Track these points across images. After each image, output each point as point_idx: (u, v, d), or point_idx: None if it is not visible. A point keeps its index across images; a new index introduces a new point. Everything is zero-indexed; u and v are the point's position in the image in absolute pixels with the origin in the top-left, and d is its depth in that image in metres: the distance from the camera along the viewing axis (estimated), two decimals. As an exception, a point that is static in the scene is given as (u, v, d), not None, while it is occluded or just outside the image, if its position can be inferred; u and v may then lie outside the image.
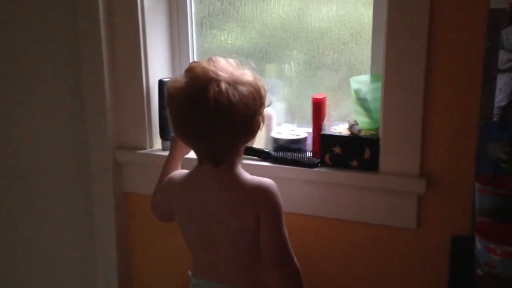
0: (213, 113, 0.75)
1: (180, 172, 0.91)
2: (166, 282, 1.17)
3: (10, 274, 1.33)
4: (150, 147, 1.10)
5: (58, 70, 1.16)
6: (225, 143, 0.79)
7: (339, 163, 0.95)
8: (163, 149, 1.09)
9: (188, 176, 0.86)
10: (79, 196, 1.20)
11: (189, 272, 0.91)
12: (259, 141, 1.04)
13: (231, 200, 0.82)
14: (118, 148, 1.12)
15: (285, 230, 0.82)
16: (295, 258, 0.82)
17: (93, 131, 1.11)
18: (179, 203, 0.87)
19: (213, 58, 0.80)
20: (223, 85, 0.75)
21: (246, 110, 0.77)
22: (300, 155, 0.98)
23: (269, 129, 1.06)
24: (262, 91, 0.80)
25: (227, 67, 0.79)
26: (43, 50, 1.16)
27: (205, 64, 0.79)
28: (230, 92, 0.75)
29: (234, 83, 0.77)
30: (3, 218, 1.30)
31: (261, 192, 0.80)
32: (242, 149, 0.84)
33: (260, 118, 0.82)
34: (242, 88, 0.77)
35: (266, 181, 0.82)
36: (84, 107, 1.12)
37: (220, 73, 0.77)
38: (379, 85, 0.92)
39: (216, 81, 0.76)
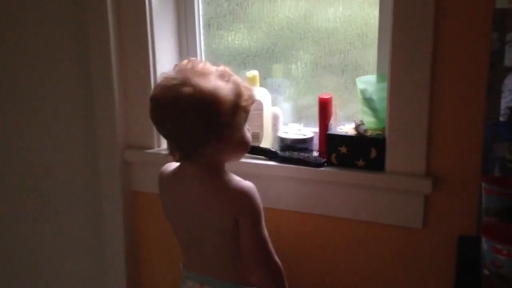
0: (166, 111, 0.80)
1: (171, 164, 0.91)
2: (174, 280, 1.18)
3: (20, 271, 1.35)
4: (158, 147, 1.12)
5: (68, 71, 1.17)
6: (184, 141, 0.82)
7: (345, 162, 0.95)
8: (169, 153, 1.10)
9: (175, 170, 0.89)
10: (88, 194, 1.21)
11: (181, 265, 0.93)
12: (266, 141, 1.05)
13: (211, 200, 0.84)
14: (127, 147, 1.13)
15: (265, 231, 0.83)
16: (275, 256, 0.84)
17: (102, 131, 1.13)
18: (167, 197, 0.90)
19: (194, 60, 0.84)
20: (180, 86, 0.79)
21: (185, 115, 0.79)
22: (306, 155, 0.99)
23: (275, 129, 1.06)
24: (222, 105, 0.79)
25: (193, 70, 0.81)
26: (54, 52, 1.17)
27: (182, 64, 0.84)
28: (175, 92, 0.79)
29: (189, 85, 0.79)
30: (13, 216, 1.32)
31: (240, 196, 0.82)
32: (218, 151, 0.83)
33: (229, 129, 0.81)
34: (187, 93, 0.79)
35: (246, 185, 0.82)
36: (93, 108, 1.13)
37: (183, 74, 0.81)
38: (385, 85, 0.92)
39: (180, 81, 0.79)
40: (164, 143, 1.13)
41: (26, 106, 1.24)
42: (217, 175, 0.84)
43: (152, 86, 1.09)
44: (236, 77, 0.84)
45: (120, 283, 1.18)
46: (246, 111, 0.83)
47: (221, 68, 0.84)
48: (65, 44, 1.15)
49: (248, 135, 0.87)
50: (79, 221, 1.25)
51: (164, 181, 0.91)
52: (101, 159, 1.14)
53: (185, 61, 0.84)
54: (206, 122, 0.80)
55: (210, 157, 0.84)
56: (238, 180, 0.84)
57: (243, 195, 0.82)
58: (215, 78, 0.81)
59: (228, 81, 0.82)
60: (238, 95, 0.81)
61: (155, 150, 1.11)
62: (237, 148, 0.86)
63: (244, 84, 0.85)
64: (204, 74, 0.81)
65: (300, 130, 1.05)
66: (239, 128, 0.84)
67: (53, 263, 1.30)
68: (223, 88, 0.81)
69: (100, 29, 1.07)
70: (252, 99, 0.85)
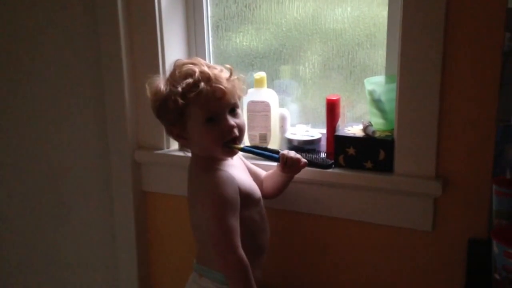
0: None
1: None
2: (185, 280, 1.18)
3: (32, 270, 1.37)
4: (168, 148, 1.13)
5: (79, 73, 1.19)
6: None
7: (353, 164, 0.95)
8: (180, 149, 1.11)
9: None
10: (100, 195, 1.23)
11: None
12: (274, 142, 1.05)
13: (192, 190, 0.88)
14: (137, 148, 1.15)
15: (230, 223, 0.80)
16: (238, 251, 0.81)
17: (113, 132, 1.14)
18: None
19: (176, 60, 0.87)
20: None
21: (152, 105, 0.85)
22: (314, 156, 0.98)
23: (283, 130, 1.06)
24: (155, 102, 0.83)
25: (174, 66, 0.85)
26: (66, 56, 1.19)
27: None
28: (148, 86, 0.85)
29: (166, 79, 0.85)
30: (25, 216, 1.34)
31: (208, 183, 0.83)
32: (188, 146, 0.87)
33: (175, 127, 0.84)
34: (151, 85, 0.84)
35: (217, 175, 0.82)
36: (104, 109, 1.15)
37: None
38: (394, 86, 0.91)
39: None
40: (173, 144, 1.14)
41: (38, 107, 1.26)
42: (202, 165, 0.86)
43: (162, 88, 1.10)
44: (183, 70, 0.82)
45: (132, 283, 1.20)
46: (179, 106, 0.80)
47: (176, 64, 0.85)
48: (77, 47, 1.17)
49: (211, 133, 0.82)
50: (91, 222, 1.26)
51: None
52: (112, 160, 1.16)
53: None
54: (161, 123, 0.87)
55: (195, 151, 0.88)
56: (214, 170, 0.84)
57: (209, 183, 0.82)
58: (168, 74, 0.85)
59: (172, 76, 0.83)
60: (171, 88, 0.82)
61: (165, 150, 1.12)
62: (199, 146, 0.85)
63: (187, 75, 0.81)
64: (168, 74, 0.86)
65: (307, 131, 1.04)
66: (190, 124, 0.83)
67: (66, 262, 1.32)
68: (154, 84, 0.84)
69: (110, 32, 1.08)
70: (193, 88, 0.80)
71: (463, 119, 0.86)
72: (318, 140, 1.03)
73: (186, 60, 0.86)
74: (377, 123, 0.96)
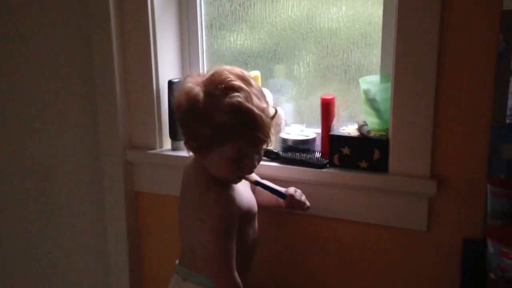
0: None
1: None
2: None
3: (23, 271, 1.35)
4: (160, 147, 1.11)
5: (70, 72, 1.18)
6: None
7: (348, 164, 0.94)
8: (173, 149, 1.10)
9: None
10: (91, 195, 1.22)
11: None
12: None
13: (188, 194, 0.86)
14: (129, 148, 1.13)
15: (228, 246, 0.79)
16: (233, 273, 0.80)
17: (104, 132, 1.13)
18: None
19: (218, 70, 0.80)
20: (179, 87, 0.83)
21: (176, 112, 0.82)
22: (308, 156, 0.98)
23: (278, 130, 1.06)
24: (188, 115, 0.77)
25: (206, 74, 0.81)
26: (56, 53, 1.17)
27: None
28: (175, 94, 0.82)
29: (179, 87, 0.82)
30: (16, 217, 1.32)
31: (207, 202, 0.81)
32: (202, 155, 0.81)
33: (195, 143, 0.78)
34: (177, 94, 0.81)
35: (216, 193, 0.80)
36: (95, 108, 1.13)
37: (191, 78, 0.82)
38: (388, 85, 0.91)
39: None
40: (166, 144, 1.13)
41: (28, 107, 1.25)
42: (205, 178, 0.82)
43: (154, 87, 1.09)
44: (232, 99, 0.72)
45: (123, 283, 1.18)
46: (211, 143, 0.74)
47: (219, 77, 0.76)
48: (68, 45, 1.16)
49: (230, 170, 0.78)
50: (82, 222, 1.25)
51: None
52: (104, 159, 1.14)
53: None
54: (180, 127, 0.83)
55: (199, 157, 0.83)
56: (218, 187, 0.81)
57: (211, 201, 0.80)
58: (201, 88, 0.78)
59: (214, 93, 0.75)
60: (208, 111, 0.73)
61: (157, 150, 1.11)
62: (212, 170, 0.81)
63: (235, 110, 0.72)
64: (204, 82, 0.80)
65: (302, 131, 1.04)
66: (215, 152, 0.77)
67: (56, 263, 1.31)
68: (192, 91, 0.77)
69: (102, 29, 1.07)
70: (240, 127, 0.72)
71: (458, 119, 0.86)
72: (313, 139, 1.02)
73: (231, 76, 0.74)
74: (372, 122, 0.96)
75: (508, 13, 0.79)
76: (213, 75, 0.78)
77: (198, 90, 0.77)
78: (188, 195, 0.87)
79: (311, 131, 1.04)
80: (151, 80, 1.08)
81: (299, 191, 0.92)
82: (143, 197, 1.16)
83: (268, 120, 0.76)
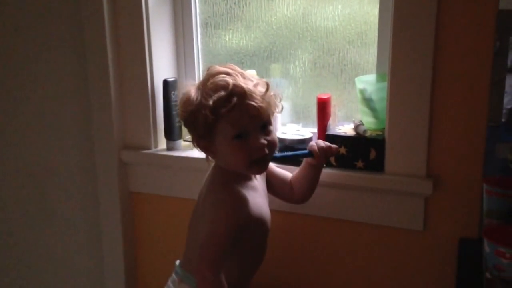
0: None
1: None
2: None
3: (17, 272, 1.34)
4: (155, 147, 1.11)
5: (64, 71, 1.16)
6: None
7: (344, 163, 0.94)
8: (168, 149, 1.10)
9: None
10: (85, 195, 1.21)
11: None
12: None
13: (204, 199, 0.85)
14: (124, 148, 1.12)
15: (224, 241, 0.78)
16: (217, 271, 0.78)
17: (98, 131, 1.12)
18: None
19: (210, 66, 0.83)
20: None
21: (180, 114, 0.83)
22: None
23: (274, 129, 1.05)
24: (185, 112, 0.79)
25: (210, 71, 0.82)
26: (50, 53, 1.16)
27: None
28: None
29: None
30: (10, 217, 1.31)
31: (220, 200, 0.80)
32: (212, 153, 0.82)
33: (197, 141, 0.80)
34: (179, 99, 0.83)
35: (230, 191, 0.80)
36: (89, 108, 1.12)
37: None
38: (385, 84, 0.91)
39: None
40: (161, 144, 1.12)
41: (22, 107, 1.23)
42: (222, 180, 0.83)
43: (149, 86, 1.08)
44: (216, 80, 0.76)
45: (118, 284, 1.18)
46: (209, 120, 0.75)
47: (209, 71, 0.80)
48: (62, 44, 1.15)
49: (240, 150, 0.77)
50: (77, 222, 1.24)
51: None
52: (98, 159, 1.14)
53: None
54: (186, 127, 0.83)
55: (219, 163, 0.83)
56: (234, 187, 0.81)
57: (223, 199, 0.80)
58: (200, 82, 0.81)
59: (204, 85, 0.78)
60: (201, 100, 0.76)
61: (152, 150, 1.10)
62: (225, 162, 0.81)
63: (220, 87, 0.76)
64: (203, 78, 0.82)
65: (298, 130, 1.03)
66: (218, 139, 0.78)
67: (51, 264, 1.30)
68: (185, 91, 0.80)
69: (96, 28, 1.06)
70: (225, 102, 0.74)
71: (454, 118, 0.86)
72: (309, 139, 1.01)
73: (220, 68, 0.79)
74: (368, 122, 0.96)
75: (503, 13, 0.79)
76: (205, 73, 0.83)
77: (191, 88, 0.82)
78: (204, 197, 0.85)
79: (307, 131, 1.03)
80: (146, 79, 1.07)
81: (319, 140, 0.89)
82: (138, 197, 1.15)
83: (257, 90, 0.78)
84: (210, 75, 0.80)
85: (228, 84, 0.76)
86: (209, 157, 0.85)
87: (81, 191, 1.21)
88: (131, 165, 1.13)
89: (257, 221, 0.83)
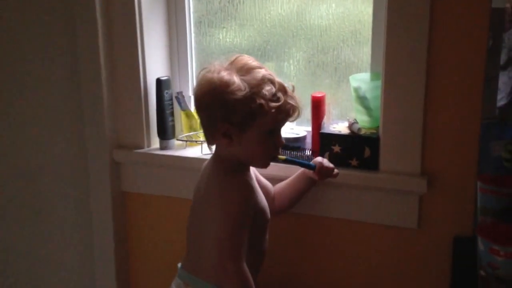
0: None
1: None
2: (165, 281, 1.15)
3: (8, 272, 1.32)
4: (148, 146, 1.09)
5: (56, 69, 1.15)
6: (204, 131, 0.83)
7: (338, 162, 0.94)
8: (161, 148, 1.09)
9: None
10: (77, 195, 1.19)
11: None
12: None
13: (204, 191, 0.84)
14: (116, 147, 1.11)
15: (239, 231, 0.77)
16: (241, 261, 0.77)
17: (91, 130, 1.11)
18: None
19: (238, 56, 0.83)
20: (199, 77, 0.81)
21: (199, 104, 0.81)
22: (299, 154, 0.97)
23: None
24: (226, 95, 0.76)
25: (223, 64, 0.81)
26: (42, 51, 1.15)
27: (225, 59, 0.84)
28: (197, 84, 0.81)
29: (201, 76, 0.81)
30: (1, 216, 1.29)
31: (226, 187, 0.80)
32: (228, 147, 0.81)
33: (224, 125, 0.77)
34: (202, 83, 0.80)
35: (237, 179, 0.80)
36: (82, 107, 1.11)
37: (211, 66, 0.81)
38: (379, 83, 0.91)
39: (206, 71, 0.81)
40: (154, 143, 1.11)
41: (14, 106, 1.22)
42: (226, 168, 0.82)
43: (142, 85, 1.07)
44: (260, 73, 0.77)
45: (110, 284, 1.16)
46: (259, 112, 0.75)
47: (241, 61, 0.80)
48: (53, 42, 1.13)
49: (267, 145, 0.79)
50: (68, 222, 1.23)
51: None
52: (90, 159, 1.12)
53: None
54: (208, 115, 0.80)
55: (225, 152, 0.82)
56: (240, 175, 0.81)
57: (231, 186, 0.79)
58: (229, 71, 0.79)
59: (244, 74, 0.78)
60: (244, 87, 0.75)
61: (145, 150, 1.09)
62: (246, 152, 0.80)
63: (268, 81, 0.77)
64: (227, 67, 0.80)
65: (292, 129, 1.03)
66: (251, 130, 0.78)
67: (42, 263, 1.28)
68: (228, 80, 0.77)
69: (88, 26, 1.05)
70: (273, 97, 0.76)
71: (448, 116, 0.86)
72: (303, 137, 1.01)
73: (252, 62, 0.80)
74: (363, 120, 0.96)
75: (496, 10, 0.80)
76: (232, 62, 0.82)
77: (226, 73, 0.79)
78: (204, 191, 0.84)
79: (302, 129, 1.03)
80: (139, 78, 1.06)
81: (325, 159, 0.90)
82: (130, 197, 1.14)
83: (287, 87, 0.82)
84: (246, 67, 0.79)
85: (274, 80, 0.79)
86: (221, 146, 0.82)
87: (73, 191, 1.20)
88: (123, 165, 1.12)
89: (261, 210, 0.84)
